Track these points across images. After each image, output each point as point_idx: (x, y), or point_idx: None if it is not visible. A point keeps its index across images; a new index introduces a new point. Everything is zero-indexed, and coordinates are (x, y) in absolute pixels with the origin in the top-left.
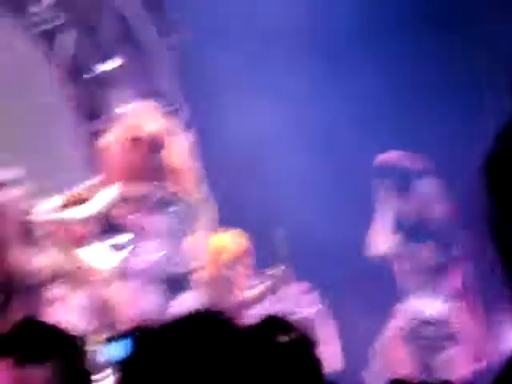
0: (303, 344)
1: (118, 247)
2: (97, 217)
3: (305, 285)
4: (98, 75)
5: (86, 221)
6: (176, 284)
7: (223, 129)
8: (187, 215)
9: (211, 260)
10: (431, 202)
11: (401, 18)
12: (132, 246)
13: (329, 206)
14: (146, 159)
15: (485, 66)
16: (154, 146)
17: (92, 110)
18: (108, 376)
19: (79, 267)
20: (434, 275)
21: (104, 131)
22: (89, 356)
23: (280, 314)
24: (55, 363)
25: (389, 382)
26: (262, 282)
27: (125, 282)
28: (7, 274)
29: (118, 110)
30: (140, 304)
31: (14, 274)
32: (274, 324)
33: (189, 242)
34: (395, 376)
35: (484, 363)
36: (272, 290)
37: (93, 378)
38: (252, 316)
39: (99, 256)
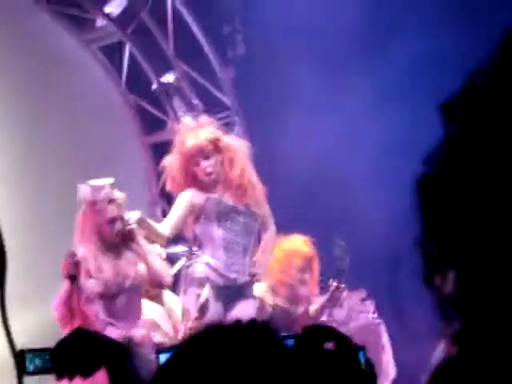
0: (350, 352)
1: (177, 255)
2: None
3: (362, 293)
4: (158, 88)
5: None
6: (235, 293)
7: (282, 141)
8: (251, 227)
9: (283, 264)
10: None
11: None
12: (191, 255)
13: (390, 215)
14: (195, 169)
15: None
16: (199, 155)
17: (153, 121)
18: None
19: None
20: None
21: (166, 143)
22: (139, 365)
23: (337, 322)
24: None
25: (303, 330)
26: (322, 293)
27: (184, 289)
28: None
29: (178, 122)
30: (197, 312)
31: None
32: (321, 333)
33: (251, 254)
34: None
35: None
36: (332, 300)
37: None
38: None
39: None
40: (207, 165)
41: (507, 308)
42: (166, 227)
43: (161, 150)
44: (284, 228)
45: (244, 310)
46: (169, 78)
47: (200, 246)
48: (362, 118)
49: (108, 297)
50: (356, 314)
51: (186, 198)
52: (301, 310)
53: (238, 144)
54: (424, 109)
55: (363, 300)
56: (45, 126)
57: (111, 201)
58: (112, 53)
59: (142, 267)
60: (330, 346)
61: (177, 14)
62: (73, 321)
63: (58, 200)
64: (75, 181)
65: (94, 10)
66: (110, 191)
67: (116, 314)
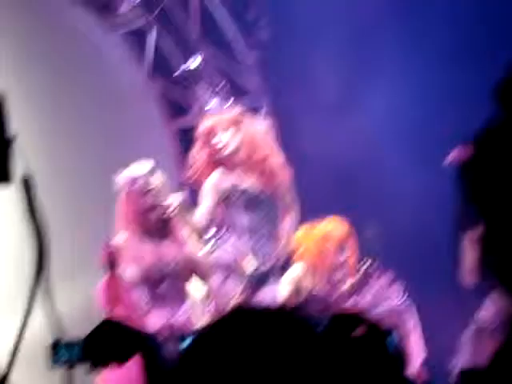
0: (378, 339)
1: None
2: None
3: (390, 276)
4: (183, 73)
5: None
6: (261, 278)
7: (307, 127)
8: (275, 213)
9: (319, 247)
10: None
11: None
12: (218, 240)
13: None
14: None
15: None
16: (213, 132)
17: (179, 107)
18: None
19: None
20: None
21: (191, 128)
22: (167, 354)
23: (365, 305)
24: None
25: (332, 318)
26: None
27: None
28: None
29: (203, 107)
30: (223, 298)
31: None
32: (348, 319)
33: (275, 239)
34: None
35: None
36: (361, 285)
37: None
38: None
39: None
40: (218, 139)
41: None
42: (199, 218)
43: (186, 135)
44: (320, 211)
45: (270, 296)
46: (193, 63)
47: (226, 231)
48: (403, 102)
49: (151, 283)
50: (384, 297)
51: (212, 186)
52: (336, 293)
53: (261, 126)
54: (469, 100)
55: (391, 283)
56: (70, 111)
57: (149, 190)
58: (137, 38)
59: (184, 251)
60: (358, 332)
61: None
62: (116, 308)
63: (92, 181)
64: (103, 167)
65: None
66: (147, 180)
67: (160, 299)
